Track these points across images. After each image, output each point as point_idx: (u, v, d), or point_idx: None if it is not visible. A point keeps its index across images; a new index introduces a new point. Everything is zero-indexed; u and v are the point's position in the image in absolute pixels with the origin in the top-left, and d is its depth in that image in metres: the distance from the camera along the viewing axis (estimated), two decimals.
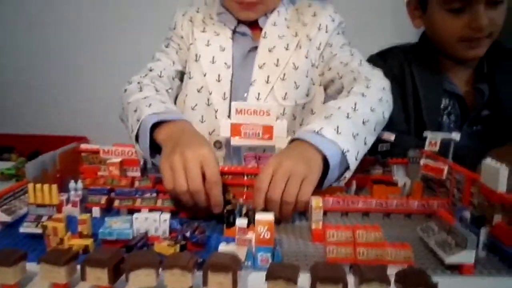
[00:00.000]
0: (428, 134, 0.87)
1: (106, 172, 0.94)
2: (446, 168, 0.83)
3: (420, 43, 1.32)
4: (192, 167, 0.72)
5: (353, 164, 0.82)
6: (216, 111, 1.12)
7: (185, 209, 0.78)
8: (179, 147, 0.75)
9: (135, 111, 0.92)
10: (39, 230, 0.66)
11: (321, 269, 0.50)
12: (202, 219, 0.77)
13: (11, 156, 1.84)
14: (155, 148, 0.87)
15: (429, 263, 0.63)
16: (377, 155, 0.99)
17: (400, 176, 0.95)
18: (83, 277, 0.52)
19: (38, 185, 0.69)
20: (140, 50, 1.53)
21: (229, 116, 0.99)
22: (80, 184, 0.81)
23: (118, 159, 0.93)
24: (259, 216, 0.61)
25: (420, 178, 0.90)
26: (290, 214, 0.75)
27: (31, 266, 0.55)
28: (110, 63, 2.08)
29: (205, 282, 0.52)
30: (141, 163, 0.92)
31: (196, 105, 1.14)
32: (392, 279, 0.51)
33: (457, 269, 0.61)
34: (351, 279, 0.51)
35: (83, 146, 1.00)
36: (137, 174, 0.94)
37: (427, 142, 0.87)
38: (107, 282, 0.52)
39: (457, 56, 1.23)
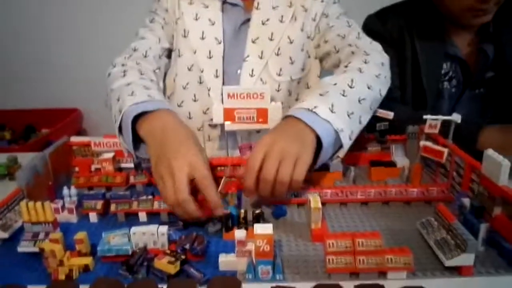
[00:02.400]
0: (428, 117, 0.84)
1: (99, 165, 0.92)
2: (446, 152, 0.81)
3: (422, 3, 1.24)
4: (178, 178, 0.70)
5: (346, 143, 0.80)
6: (209, 89, 1.07)
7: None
8: (165, 155, 0.73)
9: (118, 100, 0.88)
10: (37, 249, 0.65)
11: None
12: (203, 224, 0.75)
13: (4, 134, 1.81)
14: (139, 138, 0.84)
15: (428, 263, 0.64)
16: (375, 133, 0.96)
17: (399, 156, 0.93)
18: None
19: (31, 203, 0.67)
20: (133, 19, 1.44)
21: (222, 98, 0.95)
22: (74, 190, 0.79)
23: (111, 154, 0.91)
24: (258, 229, 0.60)
25: (420, 158, 0.88)
26: (283, 194, 0.74)
27: None
28: (100, 33, 1.98)
29: None
30: (126, 155, 0.91)
31: (187, 83, 1.10)
32: None
33: (456, 270, 0.61)
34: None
35: (73, 139, 0.98)
36: (131, 165, 0.92)
37: (426, 125, 0.85)
38: None
39: (463, 23, 1.16)
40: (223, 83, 1.06)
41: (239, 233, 0.62)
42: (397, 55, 1.21)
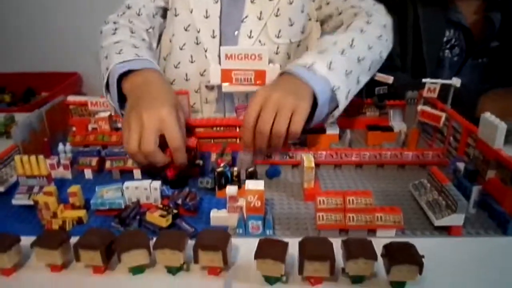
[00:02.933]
0: (427, 80, 0.83)
1: (96, 124, 0.92)
2: (443, 116, 0.80)
3: None
4: (146, 130, 0.68)
5: (342, 102, 0.79)
6: (205, 50, 1.06)
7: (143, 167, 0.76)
8: (139, 106, 0.71)
9: (106, 57, 0.87)
10: (31, 202, 0.66)
11: (309, 246, 0.51)
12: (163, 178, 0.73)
13: (4, 97, 1.81)
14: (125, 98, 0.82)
15: (418, 223, 0.64)
16: (374, 97, 0.95)
17: (396, 121, 0.92)
18: (77, 259, 0.53)
19: (25, 157, 0.68)
20: None
21: (219, 59, 0.94)
22: (69, 146, 0.79)
23: (107, 113, 0.91)
24: (249, 185, 0.61)
25: (417, 123, 0.87)
26: (280, 147, 0.75)
27: (27, 240, 0.55)
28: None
29: (196, 260, 0.53)
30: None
31: (184, 44, 1.08)
32: (379, 253, 0.51)
33: (445, 230, 0.62)
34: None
35: (70, 98, 0.97)
36: None
37: (425, 89, 0.84)
38: (101, 263, 0.53)
39: None
40: (220, 44, 1.04)
41: (231, 189, 0.63)
42: (398, 22, 1.18)
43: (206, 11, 1.05)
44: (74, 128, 0.95)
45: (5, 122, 0.96)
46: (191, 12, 1.05)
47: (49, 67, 1.85)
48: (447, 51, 1.18)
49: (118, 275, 0.55)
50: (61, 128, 0.94)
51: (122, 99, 0.83)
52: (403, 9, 1.18)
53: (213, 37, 1.05)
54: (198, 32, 1.05)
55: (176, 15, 1.07)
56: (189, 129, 0.85)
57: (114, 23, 0.99)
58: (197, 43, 1.07)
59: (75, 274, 0.55)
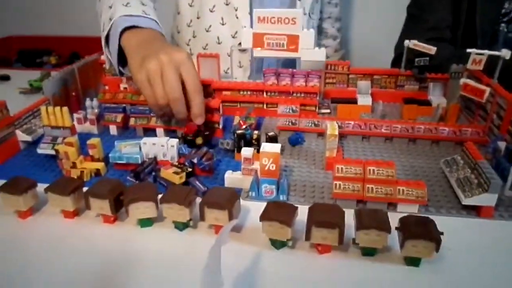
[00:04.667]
0: (473, 51, 0.75)
1: (127, 83, 0.93)
2: (488, 91, 0.73)
3: None
4: (169, 73, 0.64)
5: None
6: (236, 10, 1.03)
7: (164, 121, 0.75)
8: (153, 52, 0.67)
9: (110, 7, 0.82)
10: (54, 152, 0.67)
11: (319, 212, 0.48)
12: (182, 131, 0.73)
13: (50, 59, 1.88)
14: (122, 55, 0.78)
15: (445, 201, 0.59)
16: (414, 69, 0.89)
17: (436, 95, 0.86)
18: (87, 206, 0.54)
19: (50, 108, 0.69)
20: None
21: (251, 20, 0.91)
22: (96, 102, 0.81)
23: None
24: (265, 148, 0.58)
25: (459, 99, 0.81)
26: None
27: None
28: None
29: (202, 217, 0.52)
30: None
31: (214, 6, 1.06)
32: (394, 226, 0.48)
33: (475, 210, 0.57)
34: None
35: (104, 57, 0.98)
36: None
37: (470, 60, 0.76)
38: (110, 212, 0.53)
39: None
40: (251, 3, 1.01)
41: (246, 151, 0.61)
42: None
43: None
44: (106, 87, 0.97)
45: (42, 78, 0.99)
46: None
47: (95, 32, 1.89)
48: (503, 24, 1.07)
49: (127, 226, 0.55)
50: (93, 86, 0.96)
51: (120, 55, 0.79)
52: None
53: None
54: None
55: None
56: (210, 93, 0.84)
57: None
58: (227, 4, 1.04)
59: (86, 222, 0.56)
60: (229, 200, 0.51)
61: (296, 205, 0.50)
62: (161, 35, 0.78)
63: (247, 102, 0.86)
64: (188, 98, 0.67)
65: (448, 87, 0.87)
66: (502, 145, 0.67)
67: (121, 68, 0.81)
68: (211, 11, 1.06)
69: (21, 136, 0.73)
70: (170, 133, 0.77)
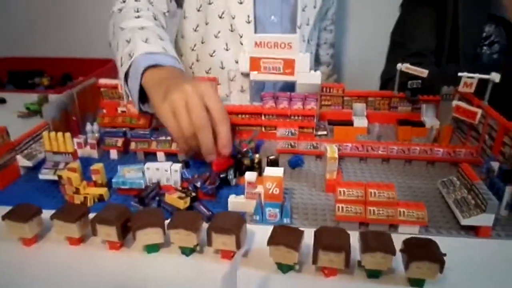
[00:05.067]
0: (464, 74, 0.78)
1: (125, 107, 0.94)
2: (479, 113, 0.76)
3: None
4: (194, 101, 0.63)
5: None
6: (241, 36, 1.06)
7: (194, 154, 0.73)
8: (175, 85, 0.67)
9: (128, 41, 0.82)
10: (56, 177, 0.68)
11: (325, 236, 0.50)
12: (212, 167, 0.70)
13: (42, 81, 1.87)
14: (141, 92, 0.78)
15: (444, 221, 0.61)
16: (406, 91, 0.92)
17: (429, 116, 0.89)
18: (94, 233, 0.54)
19: (53, 134, 0.70)
20: None
21: None
22: (96, 126, 0.81)
23: None
24: (268, 172, 0.60)
25: (451, 120, 0.83)
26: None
27: (49, 214, 0.56)
28: None
29: (209, 242, 0.52)
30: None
31: (219, 32, 1.08)
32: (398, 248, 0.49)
33: (473, 230, 0.58)
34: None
35: (102, 81, 0.99)
36: None
37: (461, 83, 0.79)
38: (117, 239, 0.54)
39: None
40: (255, 30, 1.04)
41: (250, 175, 0.62)
42: (436, 14, 1.13)
43: None
44: (104, 110, 0.97)
45: (39, 101, 1.00)
46: None
47: (87, 54, 1.91)
48: (485, 47, 1.12)
49: (133, 253, 0.55)
50: (91, 110, 0.96)
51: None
52: (442, 1, 1.13)
53: (248, 22, 1.05)
54: (233, 18, 1.05)
55: (210, 3, 1.07)
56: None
57: (136, 0, 0.96)
58: (232, 30, 1.07)
59: (92, 248, 0.56)
60: (236, 225, 0.52)
61: (301, 229, 0.51)
62: (182, 71, 0.79)
63: (246, 125, 0.87)
64: (214, 128, 0.65)
65: (439, 108, 0.90)
66: (495, 164, 0.69)
67: (141, 105, 0.81)
68: (215, 37, 1.08)
69: (22, 162, 0.73)
70: (171, 157, 0.78)
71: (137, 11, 0.93)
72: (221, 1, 1.05)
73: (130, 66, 0.78)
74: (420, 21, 1.18)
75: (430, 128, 0.82)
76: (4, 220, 0.55)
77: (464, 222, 0.57)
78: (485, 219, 0.56)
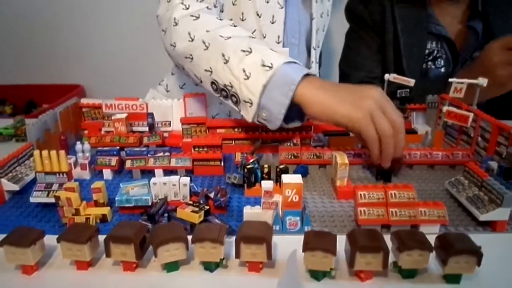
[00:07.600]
0: (454, 80, 0.82)
1: (111, 127, 0.89)
2: (471, 116, 0.79)
3: None
4: (388, 105, 0.67)
5: None
6: None
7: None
8: (357, 91, 0.69)
9: (244, 51, 0.73)
10: (51, 199, 0.62)
11: (360, 238, 0.48)
12: None
13: (5, 109, 1.76)
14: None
15: (459, 219, 0.61)
16: (395, 100, 0.94)
17: (419, 123, 0.91)
18: (108, 254, 0.49)
19: (45, 152, 0.64)
20: None
21: None
22: (87, 145, 0.76)
23: (124, 115, 0.88)
24: (287, 179, 0.58)
25: (441, 125, 0.86)
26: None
27: (48, 240, 0.52)
28: (104, 9, 1.90)
29: (237, 254, 0.49)
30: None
31: None
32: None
33: (489, 225, 0.59)
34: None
35: (84, 101, 0.94)
36: (145, 129, 0.89)
37: (452, 89, 0.82)
38: (134, 258, 0.49)
39: None
40: None
41: (266, 184, 0.59)
42: (378, 39, 1.18)
43: (273, 17, 1.02)
44: (86, 131, 0.92)
45: (16, 124, 0.93)
46: (260, 16, 1.00)
47: (52, 80, 1.82)
48: (430, 63, 1.16)
49: (152, 272, 0.51)
50: (74, 130, 0.91)
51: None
52: (383, 25, 1.17)
53: (278, 42, 1.04)
54: (264, 37, 1.01)
55: (243, 20, 1.01)
56: None
57: (208, 7, 0.87)
58: None
59: (104, 272, 0.51)
60: (266, 233, 0.49)
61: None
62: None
63: (243, 139, 0.85)
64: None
65: (427, 115, 0.93)
66: (494, 164, 0.71)
67: (284, 124, 0.75)
68: None
69: (8, 186, 0.66)
70: (169, 173, 0.74)
71: (218, 15, 0.90)
72: (254, 17, 1.00)
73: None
74: (362, 48, 1.22)
75: (425, 133, 0.84)
76: (2, 247, 0.49)
77: (483, 217, 0.58)
78: (501, 214, 0.57)
